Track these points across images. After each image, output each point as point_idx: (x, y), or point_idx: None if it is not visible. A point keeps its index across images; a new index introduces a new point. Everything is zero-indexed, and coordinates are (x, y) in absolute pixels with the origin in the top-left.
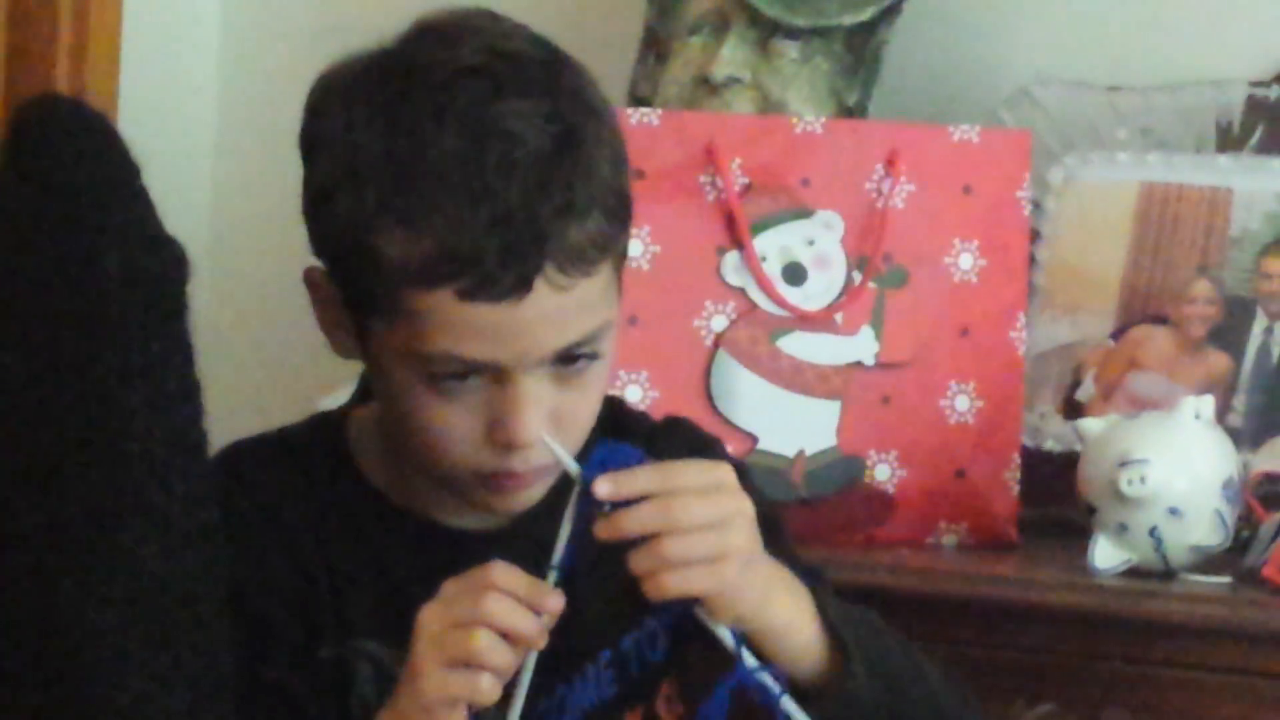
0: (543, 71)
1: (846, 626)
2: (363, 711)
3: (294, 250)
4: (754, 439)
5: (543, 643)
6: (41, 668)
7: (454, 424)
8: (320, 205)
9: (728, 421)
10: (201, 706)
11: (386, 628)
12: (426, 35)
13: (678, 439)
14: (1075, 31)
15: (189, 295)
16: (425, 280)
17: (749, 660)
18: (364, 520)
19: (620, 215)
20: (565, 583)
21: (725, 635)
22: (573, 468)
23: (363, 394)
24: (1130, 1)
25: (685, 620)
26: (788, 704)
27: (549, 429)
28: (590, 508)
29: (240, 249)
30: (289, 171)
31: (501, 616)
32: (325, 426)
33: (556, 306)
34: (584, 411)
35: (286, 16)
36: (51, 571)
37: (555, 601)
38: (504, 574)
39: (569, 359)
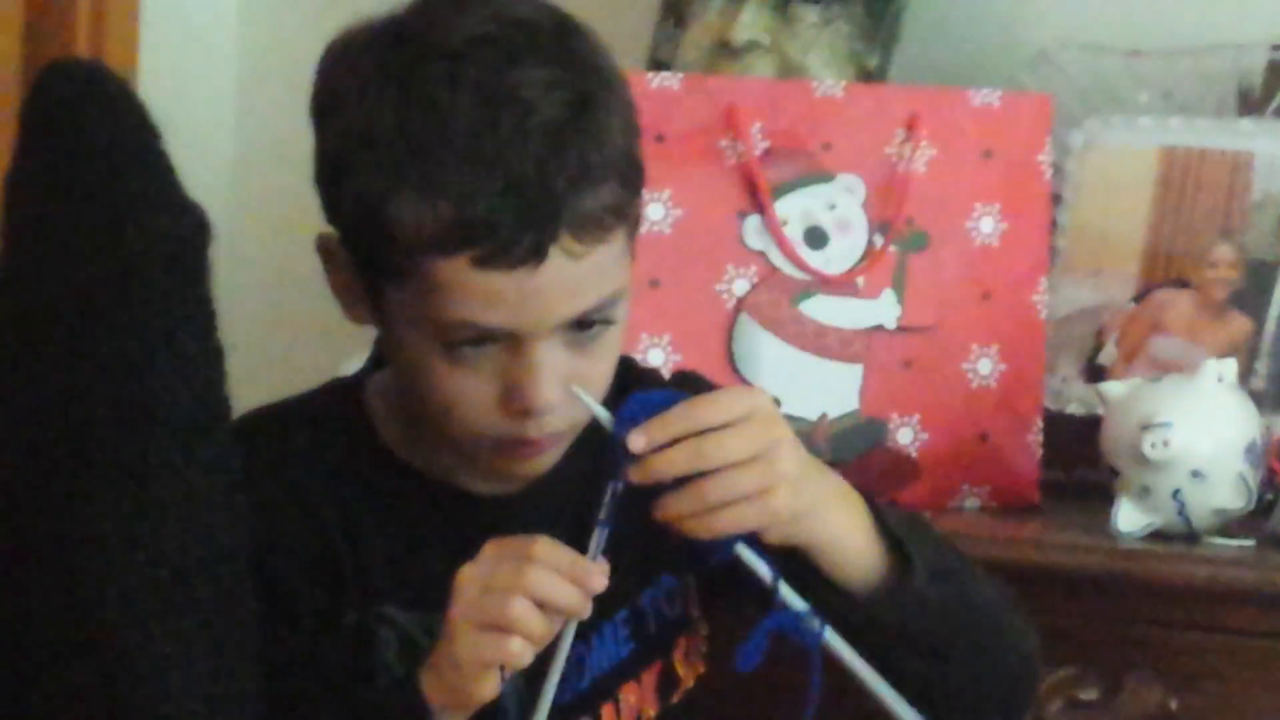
0: (554, 39)
1: (905, 529)
2: (386, 676)
3: (315, 215)
4: (776, 403)
5: (586, 611)
6: (63, 632)
7: (469, 391)
8: (334, 173)
9: (750, 385)
10: (224, 671)
11: (408, 592)
12: (437, 2)
13: (689, 390)
14: None
15: (210, 259)
16: (440, 248)
17: (790, 600)
18: (383, 486)
19: (633, 182)
20: (577, 541)
21: (764, 573)
22: (605, 417)
23: (378, 360)
24: None
25: (713, 570)
26: (834, 639)
27: (563, 395)
28: (626, 461)
29: (261, 213)
30: (309, 136)
31: (542, 587)
32: (342, 393)
33: (571, 273)
34: (598, 377)
35: None
36: (74, 536)
37: (599, 579)
38: (547, 548)
39: (583, 325)
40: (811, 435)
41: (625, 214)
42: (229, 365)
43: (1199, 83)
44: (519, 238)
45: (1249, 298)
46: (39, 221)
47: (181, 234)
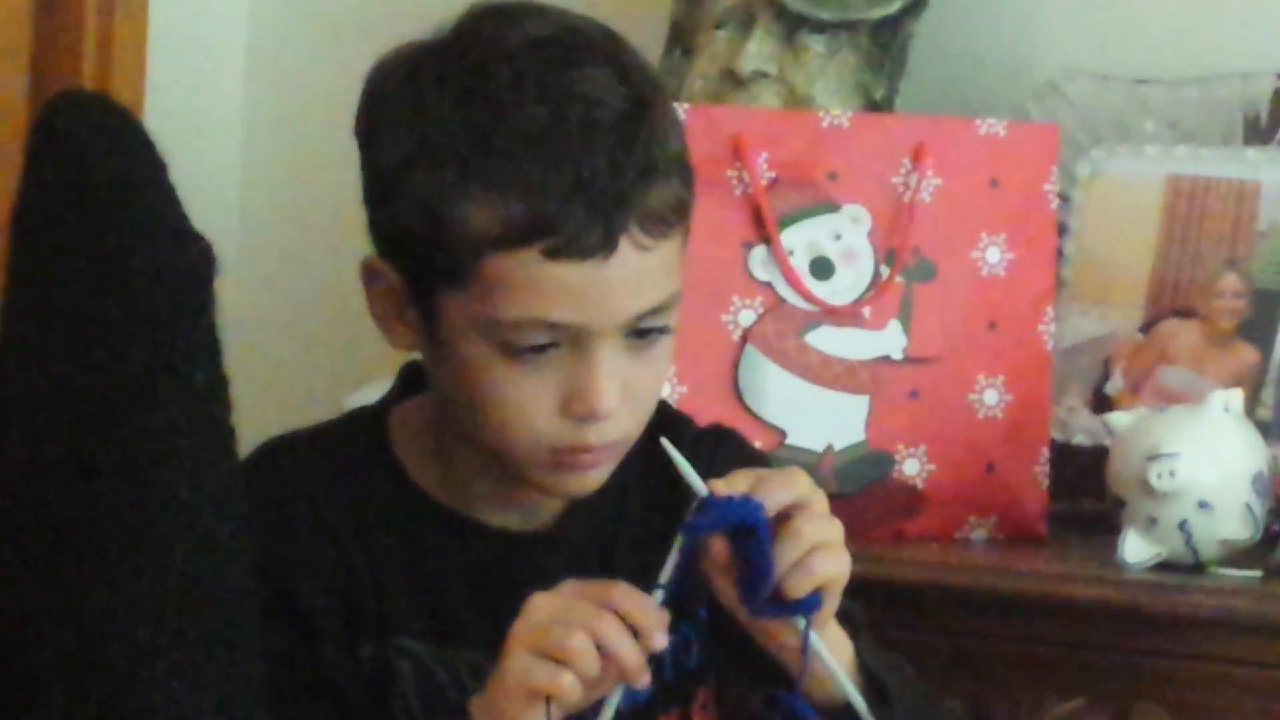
0: (607, 44)
1: (884, 671)
2: (403, 709)
3: (321, 245)
4: (782, 434)
5: (643, 681)
6: (71, 665)
7: (530, 398)
8: (390, 186)
9: (756, 416)
10: (231, 704)
11: (427, 626)
12: (486, 17)
13: (726, 450)
14: (1102, 24)
15: (216, 291)
16: (511, 243)
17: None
18: (405, 517)
19: (690, 184)
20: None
21: (822, 653)
22: (700, 489)
23: (401, 391)
24: None
25: (723, 626)
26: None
27: (623, 400)
28: (696, 537)
29: (267, 244)
30: (315, 168)
31: (609, 636)
32: (364, 422)
33: (638, 268)
34: (653, 385)
35: (312, 12)
36: (81, 569)
37: (659, 639)
38: (626, 596)
39: (642, 331)
40: (817, 467)
41: (685, 213)
42: (235, 395)
43: (1205, 112)
44: (590, 229)
45: (1256, 327)
46: (45, 252)
47: (187, 265)
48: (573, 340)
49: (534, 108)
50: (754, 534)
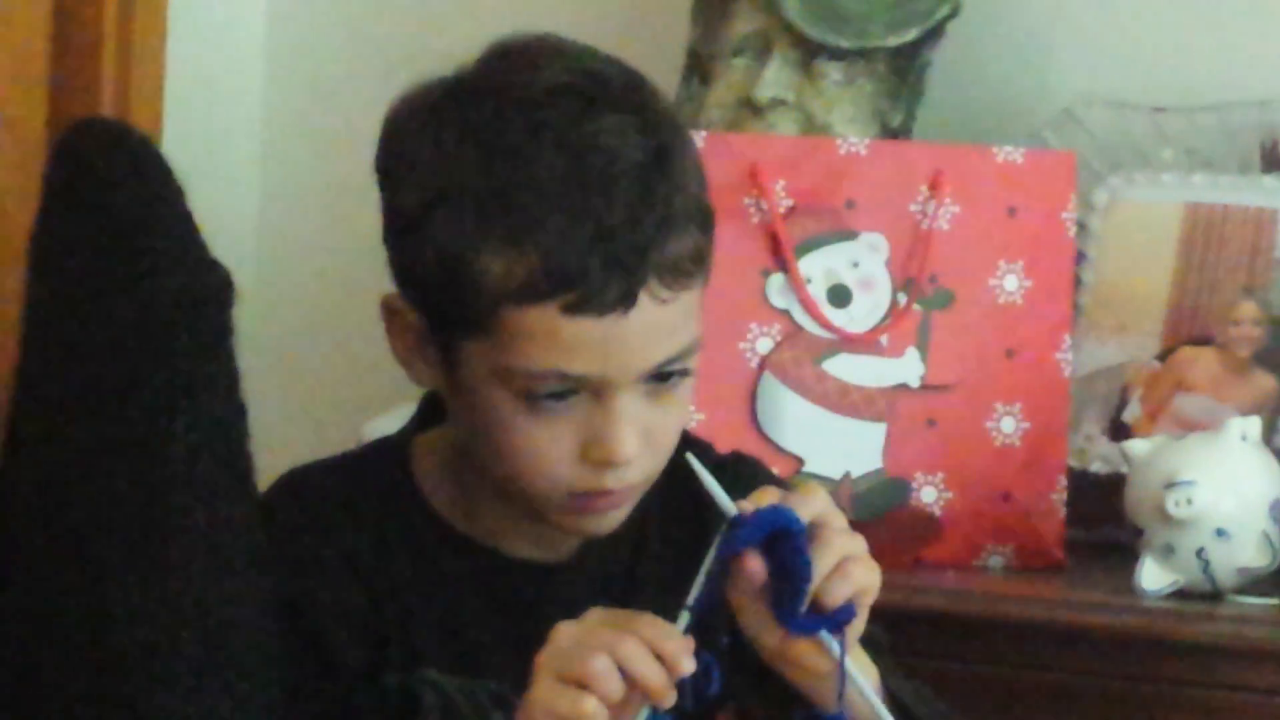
0: (627, 89)
1: (908, 695)
2: None
3: (338, 274)
4: (800, 461)
5: (669, 698)
6: (89, 692)
7: (549, 444)
8: (410, 230)
9: (773, 444)
10: None
11: (450, 657)
12: (507, 58)
13: (748, 477)
14: (1119, 52)
15: (234, 319)
16: (529, 297)
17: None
18: (429, 548)
19: (709, 230)
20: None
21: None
22: (729, 508)
23: (423, 420)
24: (1174, 22)
25: (744, 655)
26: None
27: (642, 446)
28: (729, 555)
29: (285, 272)
30: (333, 195)
31: (631, 658)
32: (387, 452)
33: (657, 320)
34: (673, 428)
35: (330, 42)
36: (98, 596)
37: (687, 664)
38: (650, 624)
39: (662, 376)
40: (835, 495)
41: (704, 261)
42: (253, 423)
43: (1223, 139)
44: (609, 284)
45: (1273, 355)
46: (63, 279)
47: (205, 293)
48: (592, 389)
49: (553, 159)
50: (791, 542)
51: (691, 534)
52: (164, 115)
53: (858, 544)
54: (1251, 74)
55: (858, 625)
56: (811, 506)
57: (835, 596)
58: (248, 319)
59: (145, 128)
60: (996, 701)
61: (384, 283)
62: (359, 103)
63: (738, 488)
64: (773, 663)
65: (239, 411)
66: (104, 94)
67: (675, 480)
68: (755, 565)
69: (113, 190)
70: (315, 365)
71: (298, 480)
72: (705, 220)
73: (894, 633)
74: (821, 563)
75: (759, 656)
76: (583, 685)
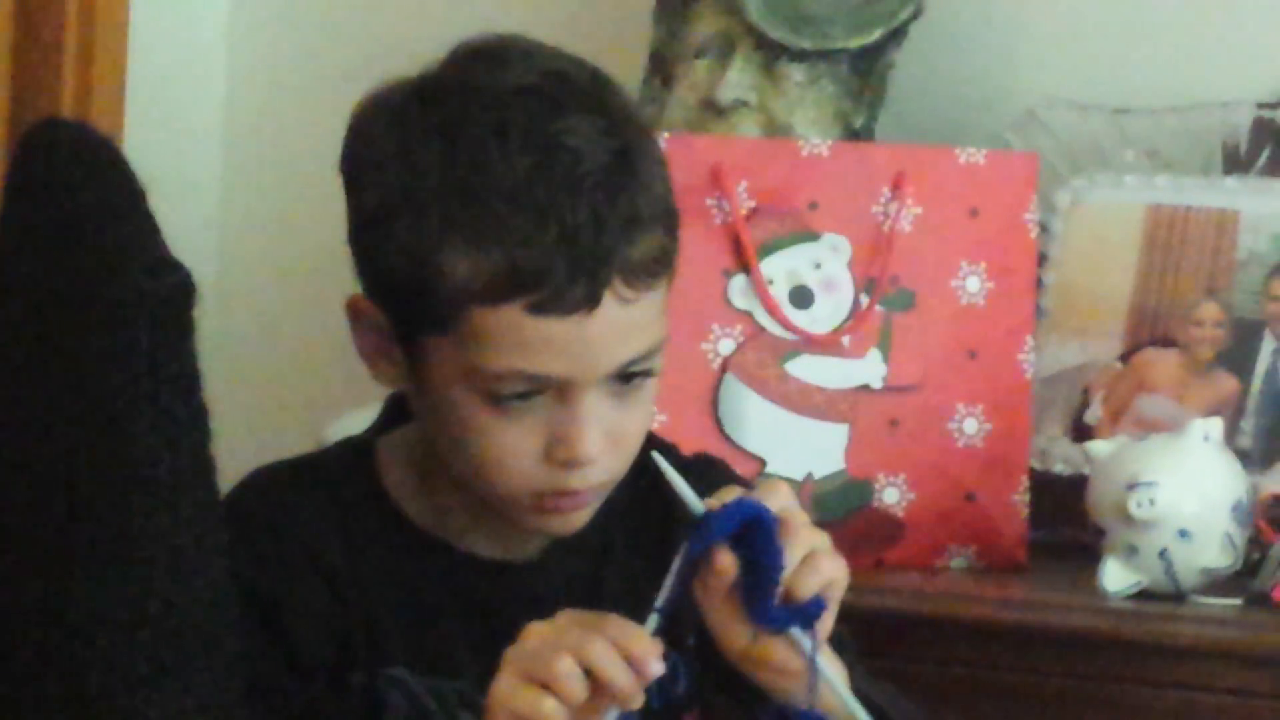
0: (593, 90)
1: (877, 694)
2: None
3: (300, 275)
4: (762, 462)
5: (637, 700)
6: (51, 693)
7: (514, 444)
8: (375, 230)
9: (736, 445)
10: None
11: (415, 655)
12: (473, 58)
13: (714, 478)
14: (1082, 54)
15: (195, 319)
16: (494, 297)
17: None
18: (395, 548)
19: (674, 230)
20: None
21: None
22: (697, 507)
23: (388, 420)
24: (1137, 24)
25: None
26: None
27: (606, 446)
28: (700, 553)
29: (246, 273)
30: (295, 197)
31: (598, 659)
32: (352, 452)
33: (622, 320)
34: (638, 428)
35: (292, 41)
36: (60, 597)
37: (655, 667)
38: (619, 626)
39: (626, 377)
40: (797, 496)
41: (670, 261)
42: (214, 423)
43: (1185, 141)
44: (573, 285)
45: (1235, 356)
46: (23, 280)
47: (166, 293)
48: (557, 389)
49: (518, 160)
50: (760, 534)
51: (657, 534)
52: (125, 115)
53: (823, 538)
54: (1214, 75)
55: (827, 621)
56: (776, 501)
57: (805, 589)
58: (209, 320)
59: (106, 128)
60: (959, 702)
61: (346, 284)
62: (321, 103)
63: (704, 488)
64: (740, 664)
65: (200, 412)
66: (65, 94)
67: (641, 480)
68: (726, 561)
69: (73, 191)
70: (276, 366)
71: (262, 479)
72: (671, 221)
73: (857, 634)
74: (790, 555)
75: (725, 661)
76: (545, 686)
